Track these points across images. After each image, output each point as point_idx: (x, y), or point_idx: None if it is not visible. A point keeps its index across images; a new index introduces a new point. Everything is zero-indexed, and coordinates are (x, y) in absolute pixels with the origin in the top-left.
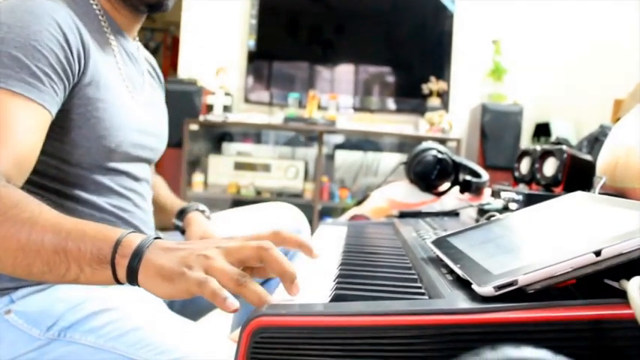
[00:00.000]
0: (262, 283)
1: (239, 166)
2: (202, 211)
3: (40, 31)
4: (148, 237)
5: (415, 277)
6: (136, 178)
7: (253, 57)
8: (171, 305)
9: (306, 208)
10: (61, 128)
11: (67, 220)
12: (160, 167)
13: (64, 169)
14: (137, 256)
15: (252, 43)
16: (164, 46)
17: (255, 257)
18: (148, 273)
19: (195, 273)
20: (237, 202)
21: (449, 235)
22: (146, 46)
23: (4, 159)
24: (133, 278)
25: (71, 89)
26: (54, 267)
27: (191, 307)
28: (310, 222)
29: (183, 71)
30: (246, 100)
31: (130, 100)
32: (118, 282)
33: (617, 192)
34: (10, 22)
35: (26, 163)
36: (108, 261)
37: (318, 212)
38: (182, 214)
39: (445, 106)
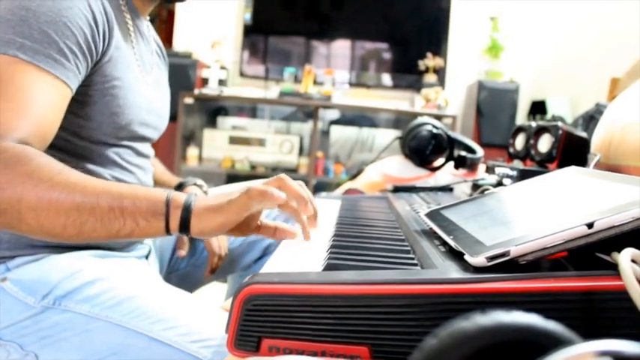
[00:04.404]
0: (260, 258)
1: (234, 141)
2: (200, 186)
3: (70, 7)
4: (192, 193)
5: (408, 248)
6: (139, 154)
7: (249, 31)
8: (168, 279)
9: None
10: (77, 102)
11: (114, 183)
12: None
13: (72, 141)
14: (188, 206)
15: (248, 16)
16: (159, 19)
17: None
18: (199, 214)
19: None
20: (232, 176)
21: (442, 208)
22: None
23: (26, 129)
24: (185, 226)
25: (93, 66)
26: (108, 223)
27: (187, 281)
28: None
29: (179, 44)
30: (242, 74)
31: (141, 80)
32: (168, 232)
33: (612, 169)
34: None
35: (45, 136)
36: (162, 213)
37: (312, 187)
38: (179, 188)
39: (441, 82)
